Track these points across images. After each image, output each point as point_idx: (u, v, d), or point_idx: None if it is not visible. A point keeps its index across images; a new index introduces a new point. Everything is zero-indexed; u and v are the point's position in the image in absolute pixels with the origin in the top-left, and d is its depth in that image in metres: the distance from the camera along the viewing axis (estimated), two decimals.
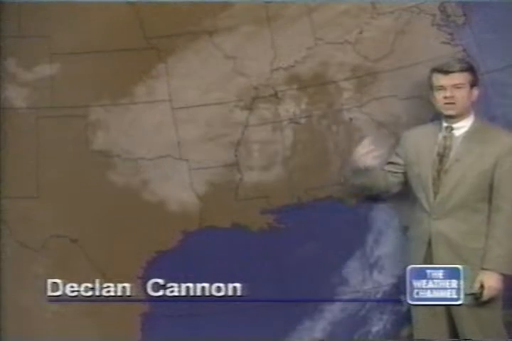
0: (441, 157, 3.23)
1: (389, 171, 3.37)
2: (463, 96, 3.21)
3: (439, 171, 3.22)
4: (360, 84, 3.54)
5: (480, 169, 3.16)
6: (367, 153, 3.31)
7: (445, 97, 3.21)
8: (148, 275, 3.51)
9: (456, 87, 3.21)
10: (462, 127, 3.23)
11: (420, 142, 3.30)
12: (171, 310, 3.52)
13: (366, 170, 3.32)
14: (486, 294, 3.12)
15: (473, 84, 3.24)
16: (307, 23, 3.52)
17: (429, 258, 3.21)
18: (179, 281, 3.50)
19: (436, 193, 3.21)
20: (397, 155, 3.38)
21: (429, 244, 3.20)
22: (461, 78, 3.22)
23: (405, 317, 3.51)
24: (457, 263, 3.14)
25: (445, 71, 3.22)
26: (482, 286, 3.12)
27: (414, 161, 3.29)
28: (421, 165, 3.26)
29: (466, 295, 3.09)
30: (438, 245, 3.19)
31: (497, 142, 3.17)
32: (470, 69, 3.25)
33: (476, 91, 3.25)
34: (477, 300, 3.12)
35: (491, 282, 3.13)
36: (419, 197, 3.26)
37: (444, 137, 3.25)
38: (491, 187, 3.17)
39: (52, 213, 3.51)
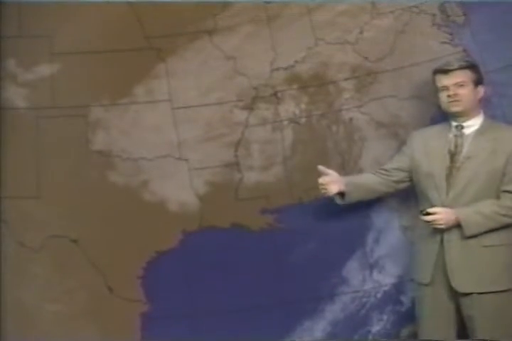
0: (453, 155, 3.23)
1: (394, 168, 3.39)
2: (466, 94, 3.22)
3: (451, 169, 3.23)
4: (360, 84, 3.54)
5: (492, 166, 3.17)
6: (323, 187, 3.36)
7: (449, 96, 3.22)
8: (148, 275, 3.51)
9: (459, 85, 3.21)
10: (472, 125, 3.24)
11: (429, 142, 3.31)
12: (171, 310, 3.52)
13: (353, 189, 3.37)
14: (432, 217, 3.15)
15: (477, 82, 3.24)
16: (307, 23, 3.52)
17: (441, 257, 3.21)
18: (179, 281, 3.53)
19: (448, 191, 3.21)
20: (403, 154, 3.40)
21: (442, 242, 3.21)
22: (462, 76, 3.22)
23: (405, 317, 3.52)
24: (470, 261, 3.16)
25: (445, 70, 3.23)
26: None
27: (423, 160, 3.30)
28: (432, 163, 3.27)
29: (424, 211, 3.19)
30: (451, 243, 3.19)
31: (509, 139, 3.18)
32: (471, 67, 3.25)
33: (481, 90, 3.25)
34: (421, 213, 3.19)
35: (446, 214, 3.15)
36: (430, 196, 3.27)
37: (455, 136, 3.25)
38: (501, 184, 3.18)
39: (52, 213, 3.51)
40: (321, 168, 3.37)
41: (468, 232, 3.15)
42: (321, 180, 3.36)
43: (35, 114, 3.48)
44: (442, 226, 3.17)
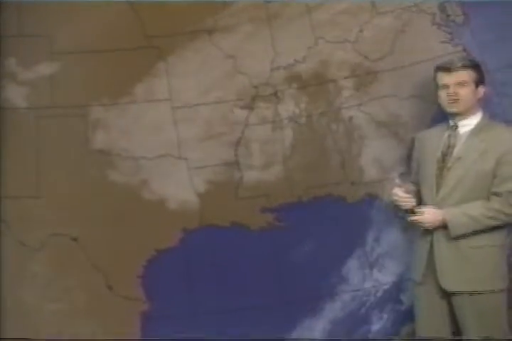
0: (445, 155, 3.23)
1: (413, 182, 3.40)
2: (466, 93, 3.20)
3: (442, 169, 3.23)
4: (360, 84, 3.54)
5: (482, 166, 3.16)
6: (403, 200, 3.31)
7: (448, 94, 3.21)
8: (148, 274, 3.52)
9: (460, 84, 3.20)
10: (468, 125, 3.23)
11: (428, 142, 3.32)
12: (171, 308, 3.53)
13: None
14: (418, 217, 3.19)
15: (479, 82, 3.23)
16: (307, 22, 3.52)
17: (431, 256, 3.21)
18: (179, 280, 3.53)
19: (438, 190, 3.22)
20: (412, 160, 3.41)
21: (432, 242, 3.22)
22: (464, 75, 3.21)
23: (405, 316, 3.53)
24: (458, 261, 3.16)
25: (448, 69, 3.22)
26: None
27: (422, 160, 3.32)
28: (427, 163, 3.28)
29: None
30: (440, 243, 3.20)
31: (501, 140, 3.16)
32: (474, 66, 3.23)
33: (481, 90, 3.24)
34: (407, 212, 3.26)
35: (433, 214, 3.17)
36: (424, 195, 3.28)
37: (449, 135, 3.25)
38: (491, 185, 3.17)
39: (52, 212, 3.51)
40: (398, 181, 3.34)
41: (454, 233, 3.15)
42: (403, 195, 3.29)
43: (35, 113, 3.48)
44: (428, 227, 3.18)
